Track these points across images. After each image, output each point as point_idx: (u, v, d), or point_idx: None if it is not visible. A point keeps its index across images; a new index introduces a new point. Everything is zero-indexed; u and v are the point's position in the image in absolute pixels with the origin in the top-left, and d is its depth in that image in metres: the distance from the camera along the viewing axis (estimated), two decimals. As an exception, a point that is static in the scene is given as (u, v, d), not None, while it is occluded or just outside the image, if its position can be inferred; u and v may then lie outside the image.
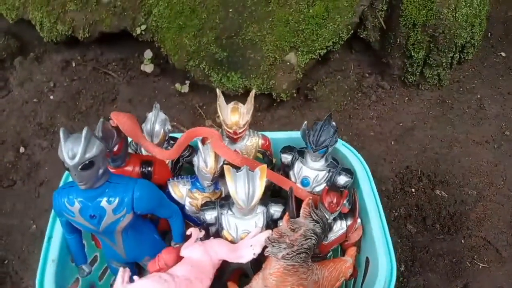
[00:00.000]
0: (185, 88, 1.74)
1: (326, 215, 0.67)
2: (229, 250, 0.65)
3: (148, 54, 1.80)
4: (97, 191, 0.57)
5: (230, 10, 1.61)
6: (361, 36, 1.72)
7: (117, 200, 0.57)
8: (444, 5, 1.49)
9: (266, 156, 0.92)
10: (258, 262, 0.69)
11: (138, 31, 1.71)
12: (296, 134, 0.85)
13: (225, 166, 0.66)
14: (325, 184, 0.77)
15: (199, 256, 0.63)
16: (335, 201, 0.67)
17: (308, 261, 0.61)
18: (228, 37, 1.60)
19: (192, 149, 0.84)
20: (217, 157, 0.71)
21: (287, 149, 0.83)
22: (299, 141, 0.82)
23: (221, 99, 0.75)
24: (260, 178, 0.64)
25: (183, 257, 0.67)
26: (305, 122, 0.79)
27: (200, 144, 0.72)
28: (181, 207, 0.77)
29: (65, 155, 0.50)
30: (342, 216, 0.73)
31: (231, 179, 0.64)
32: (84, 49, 1.89)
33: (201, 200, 0.75)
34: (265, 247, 0.65)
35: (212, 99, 1.70)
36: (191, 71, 1.63)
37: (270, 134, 0.89)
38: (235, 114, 0.74)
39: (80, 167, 0.51)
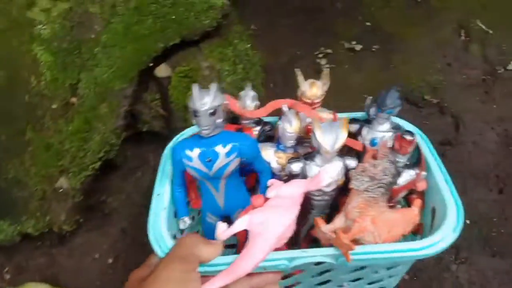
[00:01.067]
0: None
1: (398, 158, 0.77)
2: (308, 181, 0.71)
3: None
4: (214, 138, 0.67)
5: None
6: (144, 130, 1.60)
7: (229, 145, 0.68)
8: (207, 80, 1.46)
9: None
10: (332, 219, 0.73)
11: None
12: (358, 114, 0.95)
13: (314, 118, 0.75)
14: None
15: (284, 191, 0.69)
16: (405, 145, 0.76)
17: (385, 199, 0.69)
18: (-13, 182, 1.32)
19: (272, 125, 0.94)
20: (300, 119, 0.82)
21: (353, 120, 0.92)
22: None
23: (300, 76, 0.87)
24: (343, 127, 0.72)
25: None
26: (370, 97, 0.88)
27: (285, 109, 0.82)
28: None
29: (197, 103, 0.62)
30: (410, 166, 0.82)
31: (318, 126, 0.72)
32: None
33: (285, 159, 0.83)
34: (344, 184, 0.73)
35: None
36: None
37: (334, 115, 1.03)
38: (313, 87, 0.86)
39: (209, 111, 0.62)
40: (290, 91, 1.80)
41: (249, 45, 1.68)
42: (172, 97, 1.51)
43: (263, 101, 1.62)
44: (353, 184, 0.66)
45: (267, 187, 0.75)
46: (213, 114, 0.64)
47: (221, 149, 0.69)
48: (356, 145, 0.87)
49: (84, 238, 1.40)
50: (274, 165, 0.87)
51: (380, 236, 0.64)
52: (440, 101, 1.61)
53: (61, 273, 1.35)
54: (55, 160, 1.42)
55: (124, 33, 1.47)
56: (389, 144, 0.87)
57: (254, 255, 0.57)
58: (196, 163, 0.71)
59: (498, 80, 1.67)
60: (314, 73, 1.80)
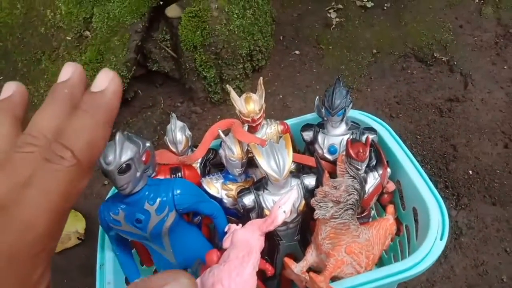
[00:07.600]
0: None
1: (358, 166, 0.68)
2: (262, 221, 0.65)
3: None
4: (138, 195, 0.59)
5: (1, 78, 1.47)
6: (153, 69, 1.67)
7: (158, 200, 0.61)
8: (216, 22, 1.49)
9: None
10: (306, 243, 0.69)
11: None
12: (310, 116, 0.90)
13: (251, 144, 0.68)
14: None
15: (239, 238, 0.63)
16: (361, 149, 0.68)
17: (355, 219, 0.62)
18: (5, 106, 1.45)
19: (216, 152, 0.87)
20: (241, 143, 0.75)
21: (306, 126, 0.85)
22: (314, 122, 0.85)
23: (232, 93, 0.80)
24: (286, 147, 0.66)
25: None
26: (317, 97, 0.82)
27: (222, 136, 0.75)
28: (219, 201, 0.79)
29: (102, 162, 0.54)
30: (372, 168, 0.75)
31: (259, 154, 0.66)
32: None
33: (236, 190, 0.78)
34: (308, 211, 0.66)
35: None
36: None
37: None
38: (249, 103, 0.80)
39: (117, 171, 0.54)
40: (299, 44, 1.92)
41: (260, -7, 1.58)
42: (182, 36, 1.52)
43: (272, 53, 1.70)
44: (317, 214, 0.59)
45: (224, 232, 0.69)
46: (125, 171, 0.55)
47: (149, 207, 0.61)
48: (308, 161, 0.81)
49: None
50: (225, 199, 0.80)
51: (360, 264, 0.59)
52: (450, 60, 1.61)
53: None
54: (67, 89, 1.61)
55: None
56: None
57: None
58: (126, 227, 0.62)
59: (511, 43, 1.60)
60: (323, 27, 1.88)
